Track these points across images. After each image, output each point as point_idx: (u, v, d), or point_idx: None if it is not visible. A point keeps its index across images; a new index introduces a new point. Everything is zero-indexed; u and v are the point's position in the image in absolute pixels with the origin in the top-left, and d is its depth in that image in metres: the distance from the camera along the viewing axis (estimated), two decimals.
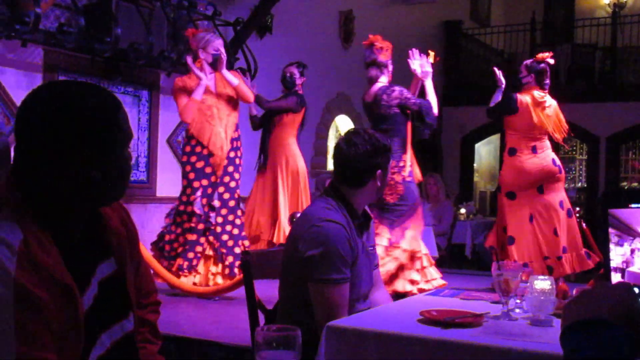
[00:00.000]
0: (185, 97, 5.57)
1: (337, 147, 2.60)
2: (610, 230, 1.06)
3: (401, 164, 4.98)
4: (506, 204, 5.69)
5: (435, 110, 5.09)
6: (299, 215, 3.59)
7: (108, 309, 1.56)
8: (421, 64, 5.14)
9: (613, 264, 1.07)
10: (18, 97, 5.80)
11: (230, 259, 5.41)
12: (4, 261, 1.32)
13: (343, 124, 10.45)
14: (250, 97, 5.80)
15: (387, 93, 5.09)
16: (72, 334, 1.41)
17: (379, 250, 4.57)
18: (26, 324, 1.31)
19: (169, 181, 7.32)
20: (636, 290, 1.06)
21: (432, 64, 5.65)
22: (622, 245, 1.05)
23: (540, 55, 5.91)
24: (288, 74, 6.53)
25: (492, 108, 5.75)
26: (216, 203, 5.51)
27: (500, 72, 5.88)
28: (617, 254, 1.07)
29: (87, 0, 6.34)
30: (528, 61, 5.91)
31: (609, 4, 14.08)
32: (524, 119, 5.66)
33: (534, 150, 5.63)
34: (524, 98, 5.64)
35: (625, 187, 12.23)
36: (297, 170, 6.46)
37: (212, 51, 5.63)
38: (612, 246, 1.06)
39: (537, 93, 5.71)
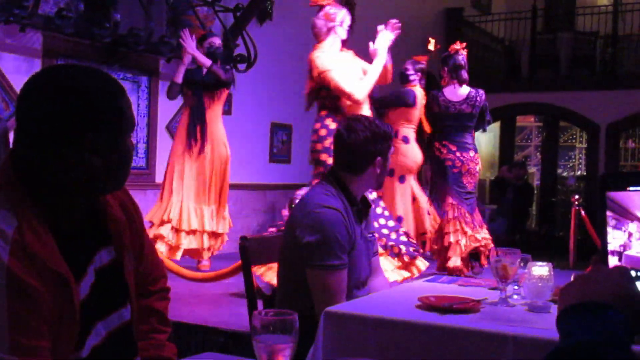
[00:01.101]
0: None
1: (337, 133, 2.60)
2: (608, 213, 1.05)
3: (477, 156, 5.92)
4: (397, 186, 6.10)
5: None
6: (297, 201, 3.59)
7: (105, 298, 1.54)
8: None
9: (610, 247, 1.07)
10: (17, 82, 5.78)
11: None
12: None
13: None
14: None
15: (478, 95, 5.98)
16: (66, 322, 1.39)
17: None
18: (19, 312, 1.30)
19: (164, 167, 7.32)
20: (633, 273, 1.06)
21: (433, 52, 5.67)
22: (619, 228, 1.05)
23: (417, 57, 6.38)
24: None
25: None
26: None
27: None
28: (614, 237, 1.06)
29: None
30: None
31: None
32: (417, 111, 6.23)
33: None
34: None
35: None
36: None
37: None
38: (609, 229, 1.06)
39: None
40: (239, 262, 4.91)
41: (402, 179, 6.04)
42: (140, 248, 1.71)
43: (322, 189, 2.52)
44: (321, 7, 4.63)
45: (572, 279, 1.57)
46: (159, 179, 7.28)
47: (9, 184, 1.41)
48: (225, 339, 3.97)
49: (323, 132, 4.39)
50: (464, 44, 6.17)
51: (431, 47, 6.26)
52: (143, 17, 6.45)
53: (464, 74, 6.02)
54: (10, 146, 1.50)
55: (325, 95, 4.46)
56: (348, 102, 4.39)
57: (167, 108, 7.35)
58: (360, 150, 2.52)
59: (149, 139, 7.21)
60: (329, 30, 4.62)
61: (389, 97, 6.12)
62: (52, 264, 1.36)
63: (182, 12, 7.15)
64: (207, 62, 5.92)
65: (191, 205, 5.95)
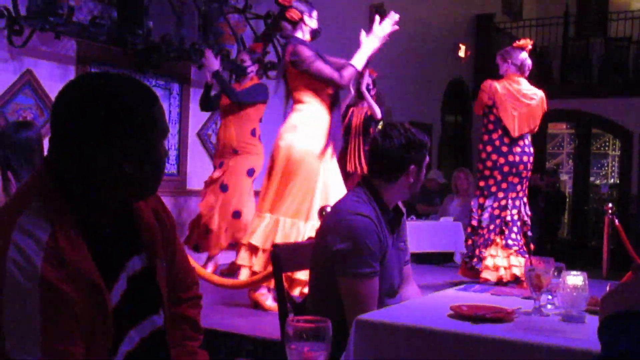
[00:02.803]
0: None
1: (373, 139, 2.58)
2: None
3: None
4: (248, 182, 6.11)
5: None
6: (329, 208, 3.58)
7: (138, 305, 1.55)
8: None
9: None
10: (51, 89, 5.86)
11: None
12: (31, 255, 1.32)
13: None
14: None
15: None
16: (100, 329, 1.40)
17: None
18: (52, 318, 1.31)
19: (199, 174, 7.35)
20: None
21: (463, 58, 5.62)
22: None
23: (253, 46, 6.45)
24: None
25: None
26: None
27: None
28: None
29: None
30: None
31: None
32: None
33: None
34: None
35: None
36: None
37: None
38: None
39: None
40: (269, 269, 4.92)
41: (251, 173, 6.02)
42: (172, 255, 1.71)
43: (354, 196, 2.51)
44: (284, 8, 4.64)
45: (607, 288, 1.54)
46: (190, 185, 7.33)
47: (43, 191, 1.42)
48: (255, 346, 3.97)
49: None
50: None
51: (462, 53, 6.23)
52: (175, 24, 6.50)
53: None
54: (45, 153, 1.52)
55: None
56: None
57: (199, 115, 7.40)
58: (394, 157, 2.50)
59: (180, 145, 7.26)
60: (297, 25, 4.62)
61: (251, 93, 5.96)
62: (85, 271, 1.38)
63: (214, 19, 7.20)
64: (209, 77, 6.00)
65: None
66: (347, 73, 4.43)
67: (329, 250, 2.41)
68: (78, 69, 6.17)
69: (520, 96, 5.77)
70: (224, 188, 6.01)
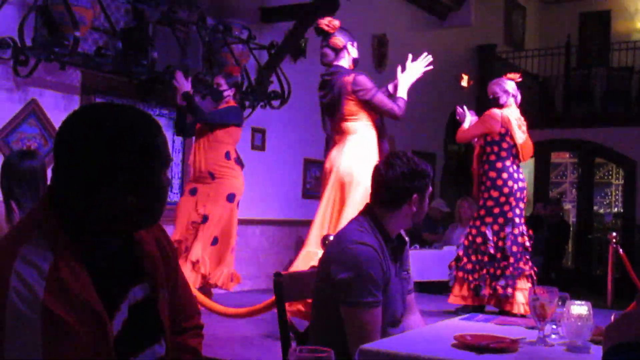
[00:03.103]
0: None
1: (376, 168, 2.59)
2: None
3: None
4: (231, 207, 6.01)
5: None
6: (331, 237, 3.58)
7: (139, 334, 1.54)
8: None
9: None
10: (56, 118, 5.90)
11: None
12: (33, 285, 1.32)
13: None
14: None
15: None
16: (101, 358, 1.39)
17: None
18: (53, 347, 1.31)
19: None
20: None
21: (466, 87, 5.70)
22: None
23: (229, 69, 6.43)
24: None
25: None
26: None
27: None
28: None
29: (124, 24, 6.46)
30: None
31: None
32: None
33: None
34: None
35: None
36: None
37: None
38: None
39: None
40: (272, 298, 4.90)
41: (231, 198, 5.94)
42: (174, 284, 1.71)
43: (356, 225, 2.51)
44: (328, 35, 4.75)
45: (612, 318, 1.53)
46: None
47: (46, 220, 1.43)
48: None
49: None
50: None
51: (464, 83, 6.26)
52: (179, 55, 6.55)
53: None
54: (48, 182, 1.52)
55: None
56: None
57: None
58: (397, 186, 2.50)
59: (183, 174, 7.27)
60: (339, 53, 4.75)
61: (221, 114, 5.92)
62: (87, 301, 1.37)
63: (218, 49, 7.26)
64: (180, 101, 5.88)
65: None
66: (402, 105, 4.66)
67: (331, 280, 2.41)
68: (83, 99, 6.21)
69: (522, 124, 5.92)
70: (204, 219, 5.85)
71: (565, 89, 12.54)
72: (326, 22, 4.78)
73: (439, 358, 2.02)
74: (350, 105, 4.62)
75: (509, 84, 6.05)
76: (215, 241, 5.86)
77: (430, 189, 2.59)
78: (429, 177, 2.57)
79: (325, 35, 4.78)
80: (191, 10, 7.01)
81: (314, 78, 8.48)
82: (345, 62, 4.78)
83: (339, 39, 4.75)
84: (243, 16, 7.63)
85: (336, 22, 4.81)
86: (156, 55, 6.22)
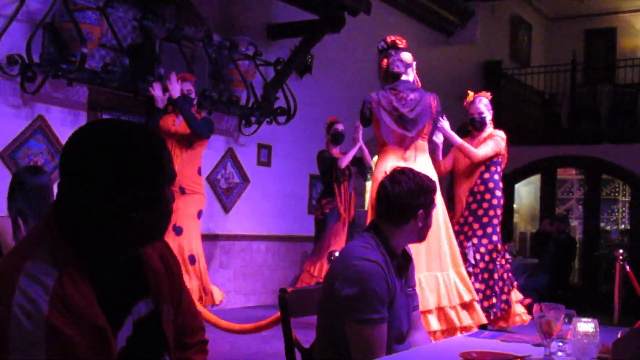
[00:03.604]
0: None
1: (381, 184, 2.59)
2: None
3: None
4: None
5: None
6: (337, 253, 3.57)
7: (143, 350, 1.53)
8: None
9: None
10: (63, 134, 5.92)
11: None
12: (37, 300, 1.32)
13: None
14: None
15: None
16: None
17: None
18: None
19: (207, 218, 7.36)
20: None
21: (470, 103, 5.82)
22: None
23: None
24: None
25: None
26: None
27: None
28: None
29: (131, 40, 6.50)
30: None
31: None
32: None
33: None
34: None
35: None
36: None
37: None
38: None
39: None
40: (277, 314, 4.88)
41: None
42: (178, 300, 1.70)
43: (362, 242, 2.51)
44: (398, 49, 4.99)
45: (619, 335, 1.52)
46: None
47: (51, 236, 1.43)
48: None
49: None
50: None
51: (470, 99, 6.27)
52: (186, 71, 6.58)
53: None
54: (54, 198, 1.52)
55: None
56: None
57: (208, 159, 7.44)
58: (403, 202, 2.50)
59: None
60: (408, 68, 4.99)
61: (208, 125, 5.86)
62: (91, 316, 1.37)
63: (224, 66, 7.30)
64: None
65: None
66: None
67: (336, 296, 2.40)
68: (89, 115, 6.23)
69: None
70: (177, 231, 5.70)
71: (571, 106, 12.54)
72: (396, 39, 5.02)
73: None
74: (428, 126, 4.86)
75: (488, 102, 6.16)
76: (192, 259, 5.77)
77: (436, 204, 2.59)
78: (434, 192, 2.56)
79: (395, 49, 4.98)
80: (198, 27, 7.05)
81: (319, 94, 8.57)
82: (411, 78, 4.98)
83: (408, 55, 4.93)
84: (249, 33, 7.66)
85: (404, 40, 5.01)
86: (163, 71, 6.24)
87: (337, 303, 2.39)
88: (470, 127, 6.18)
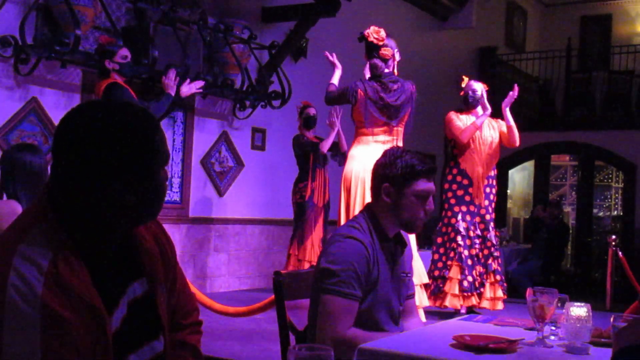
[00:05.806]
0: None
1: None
2: None
3: None
4: None
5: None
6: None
7: (137, 330, 1.54)
8: None
9: None
10: (56, 117, 5.89)
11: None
12: (32, 281, 1.32)
13: None
14: None
15: None
16: (99, 354, 1.39)
17: None
18: (52, 344, 1.31)
19: (201, 202, 7.36)
20: None
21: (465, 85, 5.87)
22: None
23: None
24: None
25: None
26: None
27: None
28: None
29: (125, 22, 6.46)
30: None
31: None
32: None
33: None
34: None
35: None
36: None
37: None
38: None
39: None
40: (271, 297, 4.91)
41: None
42: (172, 281, 1.71)
43: (352, 222, 2.51)
44: (377, 48, 4.97)
45: (611, 319, 1.53)
46: (192, 213, 7.33)
47: (44, 217, 1.42)
48: None
49: None
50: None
51: (464, 85, 6.28)
52: (180, 54, 6.55)
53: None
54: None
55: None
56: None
57: (202, 143, 7.43)
58: (373, 174, 2.50)
59: (183, 173, 7.28)
60: (388, 61, 5.02)
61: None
62: (86, 297, 1.37)
63: (218, 49, 7.27)
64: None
65: None
66: None
67: (318, 270, 2.41)
68: (83, 97, 6.21)
69: None
70: None
71: (566, 92, 12.54)
72: (375, 35, 4.89)
73: (438, 358, 2.02)
74: (408, 113, 4.97)
75: (483, 89, 6.38)
76: None
77: (424, 186, 2.43)
78: (416, 173, 2.41)
79: (375, 48, 4.94)
80: (192, 9, 7.01)
81: (314, 78, 8.54)
82: (394, 69, 5.02)
83: (387, 50, 4.96)
84: (244, 16, 7.63)
85: (383, 33, 4.91)
86: (157, 54, 6.22)
87: (318, 278, 2.40)
88: (463, 104, 6.27)
